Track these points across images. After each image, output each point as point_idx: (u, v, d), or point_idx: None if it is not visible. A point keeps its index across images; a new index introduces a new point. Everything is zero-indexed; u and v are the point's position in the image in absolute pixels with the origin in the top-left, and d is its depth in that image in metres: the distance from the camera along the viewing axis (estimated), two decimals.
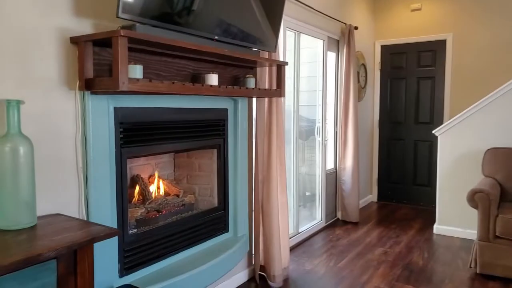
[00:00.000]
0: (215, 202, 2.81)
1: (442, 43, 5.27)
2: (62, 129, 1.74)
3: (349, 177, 4.65)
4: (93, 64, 1.76)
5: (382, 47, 5.69)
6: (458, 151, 4.22)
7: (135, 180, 2.49)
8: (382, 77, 5.73)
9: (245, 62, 2.63)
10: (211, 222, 2.73)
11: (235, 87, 2.32)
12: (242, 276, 3.06)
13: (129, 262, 2.09)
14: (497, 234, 3.21)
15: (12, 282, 1.19)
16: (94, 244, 1.83)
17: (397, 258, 3.61)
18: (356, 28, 4.76)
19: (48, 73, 1.67)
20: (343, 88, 4.64)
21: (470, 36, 5.05)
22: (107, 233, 1.37)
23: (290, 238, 3.79)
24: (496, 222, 3.22)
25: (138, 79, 1.66)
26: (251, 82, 2.64)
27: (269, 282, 3.07)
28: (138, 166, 2.59)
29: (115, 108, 1.95)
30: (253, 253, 3.13)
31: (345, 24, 4.60)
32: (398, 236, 4.22)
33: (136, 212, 2.27)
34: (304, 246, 3.91)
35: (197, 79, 2.39)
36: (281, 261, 3.09)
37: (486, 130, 4.09)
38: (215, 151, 2.80)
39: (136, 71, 1.75)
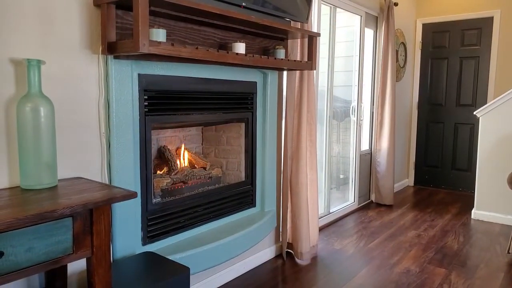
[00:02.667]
0: (242, 176, 2.77)
1: (489, 20, 4.95)
2: (84, 93, 1.74)
3: (384, 159, 4.50)
4: (115, 27, 1.74)
5: (424, 25, 5.41)
6: (500, 133, 3.98)
7: (162, 150, 2.49)
8: (423, 56, 5.46)
9: (275, 32, 2.55)
10: (238, 196, 2.70)
11: (262, 56, 2.25)
12: (269, 252, 3.03)
13: (153, 230, 2.09)
14: None
15: (29, 235, 1.20)
16: (117, 211, 1.84)
17: (430, 241, 3.46)
18: (396, 4, 4.54)
19: (71, 36, 1.67)
20: (380, 67, 4.46)
21: None
22: (124, 195, 1.35)
23: (320, 218, 3.72)
24: None
25: (159, 42, 1.62)
26: (280, 53, 2.56)
27: (296, 260, 3.03)
28: (165, 137, 2.58)
29: (139, 75, 1.93)
30: (280, 229, 3.09)
31: None
32: (433, 220, 4.05)
33: (162, 182, 2.27)
34: (334, 227, 3.83)
35: (224, 48, 2.33)
36: (309, 238, 3.04)
37: None
38: (243, 125, 2.75)
39: (159, 34, 1.72)
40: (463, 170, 5.27)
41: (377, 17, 4.52)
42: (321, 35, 3.02)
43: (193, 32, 2.15)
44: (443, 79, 5.33)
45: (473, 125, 5.11)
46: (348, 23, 4.28)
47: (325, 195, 3.92)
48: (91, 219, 1.31)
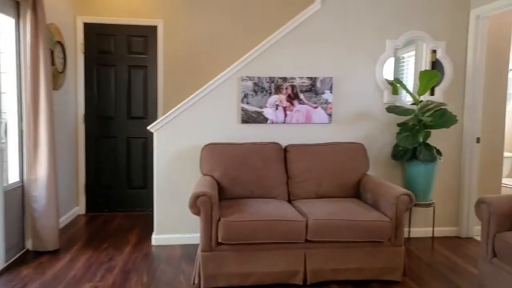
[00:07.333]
0: None
1: (153, 29, 4.71)
2: None
3: (43, 190, 3.42)
4: None
5: (86, 25, 4.64)
6: (175, 148, 3.72)
7: None
8: (87, 61, 4.69)
9: None
10: None
11: None
12: None
13: None
14: (219, 240, 2.83)
15: None
16: None
17: None
18: None
19: None
20: (29, 70, 3.35)
21: (181, 25, 4.69)
22: None
23: None
24: (219, 227, 2.82)
25: None
26: None
27: None
28: None
29: None
30: None
31: None
32: (111, 259, 3.35)
33: None
34: None
35: None
36: None
37: (203, 125, 3.74)
38: None
39: None
40: (139, 188, 4.85)
41: (18, 2, 3.39)
42: None
43: None
44: (112, 88, 4.74)
45: (146, 138, 4.77)
46: None
47: None
48: None
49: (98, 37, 4.67)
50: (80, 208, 4.71)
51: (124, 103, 4.75)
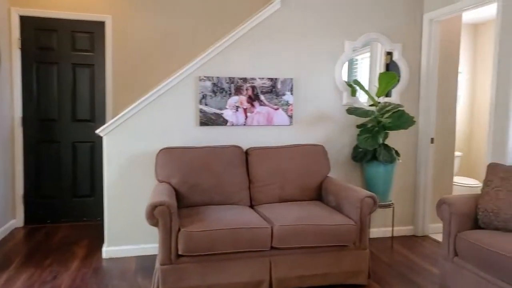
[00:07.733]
0: None
1: (101, 25, 4.38)
2: None
3: None
4: None
5: (23, 18, 4.22)
6: (127, 153, 3.45)
7: None
8: (25, 59, 4.26)
9: None
10: None
11: None
12: None
13: None
14: (180, 252, 2.64)
15: None
16: None
17: None
18: None
19: None
20: None
21: (132, 21, 4.40)
22: None
23: None
24: (179, 239, 2.63)
25: None
26: None
27: None
28: None
29: None
30: None
31: None
32: (56, 277, 3.03)
33: None
34: None
35: None
36: None
37: (158, 128, 3.50)
38: None
39: None
40: (86, 196, 4.49)
41: None
42: None
43: None
44: (54, 88, 4.35)
45: (94, 142, 4.43)
46: None
47: None
48: None
49: (37, 32, 4.26)
50: (17, 220, 4.27)
51: (68, 104, 4.38)
